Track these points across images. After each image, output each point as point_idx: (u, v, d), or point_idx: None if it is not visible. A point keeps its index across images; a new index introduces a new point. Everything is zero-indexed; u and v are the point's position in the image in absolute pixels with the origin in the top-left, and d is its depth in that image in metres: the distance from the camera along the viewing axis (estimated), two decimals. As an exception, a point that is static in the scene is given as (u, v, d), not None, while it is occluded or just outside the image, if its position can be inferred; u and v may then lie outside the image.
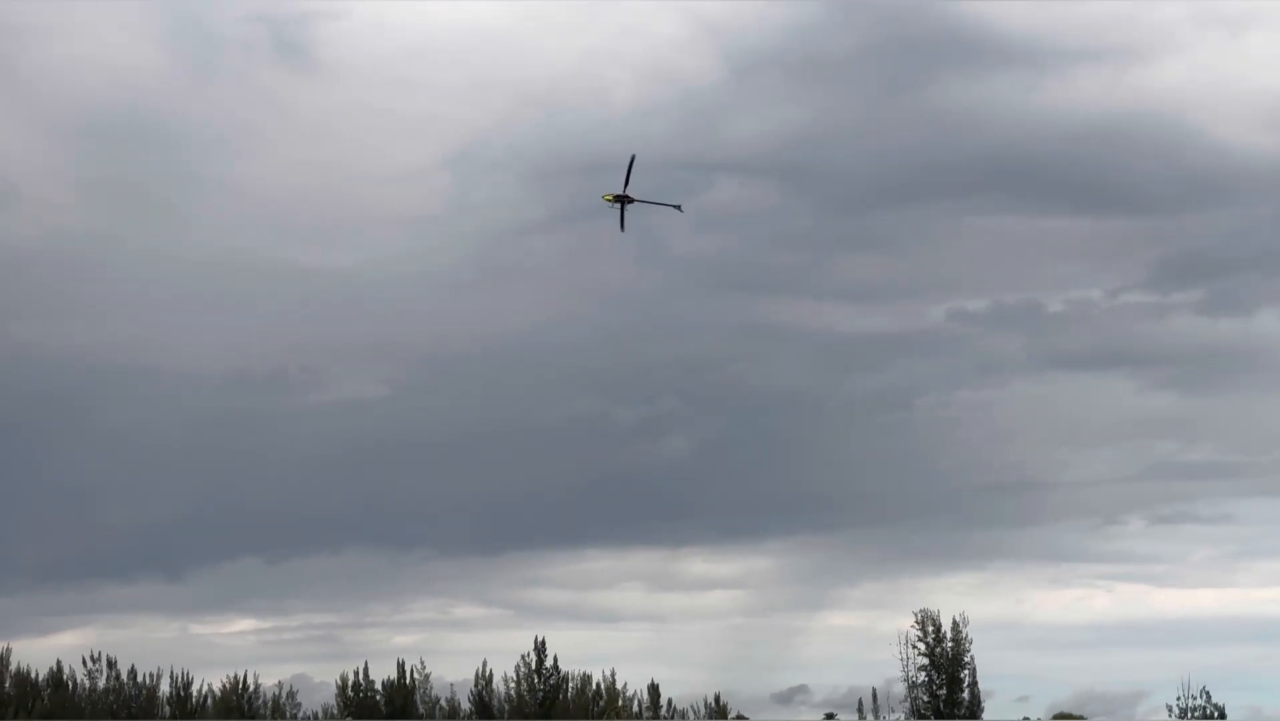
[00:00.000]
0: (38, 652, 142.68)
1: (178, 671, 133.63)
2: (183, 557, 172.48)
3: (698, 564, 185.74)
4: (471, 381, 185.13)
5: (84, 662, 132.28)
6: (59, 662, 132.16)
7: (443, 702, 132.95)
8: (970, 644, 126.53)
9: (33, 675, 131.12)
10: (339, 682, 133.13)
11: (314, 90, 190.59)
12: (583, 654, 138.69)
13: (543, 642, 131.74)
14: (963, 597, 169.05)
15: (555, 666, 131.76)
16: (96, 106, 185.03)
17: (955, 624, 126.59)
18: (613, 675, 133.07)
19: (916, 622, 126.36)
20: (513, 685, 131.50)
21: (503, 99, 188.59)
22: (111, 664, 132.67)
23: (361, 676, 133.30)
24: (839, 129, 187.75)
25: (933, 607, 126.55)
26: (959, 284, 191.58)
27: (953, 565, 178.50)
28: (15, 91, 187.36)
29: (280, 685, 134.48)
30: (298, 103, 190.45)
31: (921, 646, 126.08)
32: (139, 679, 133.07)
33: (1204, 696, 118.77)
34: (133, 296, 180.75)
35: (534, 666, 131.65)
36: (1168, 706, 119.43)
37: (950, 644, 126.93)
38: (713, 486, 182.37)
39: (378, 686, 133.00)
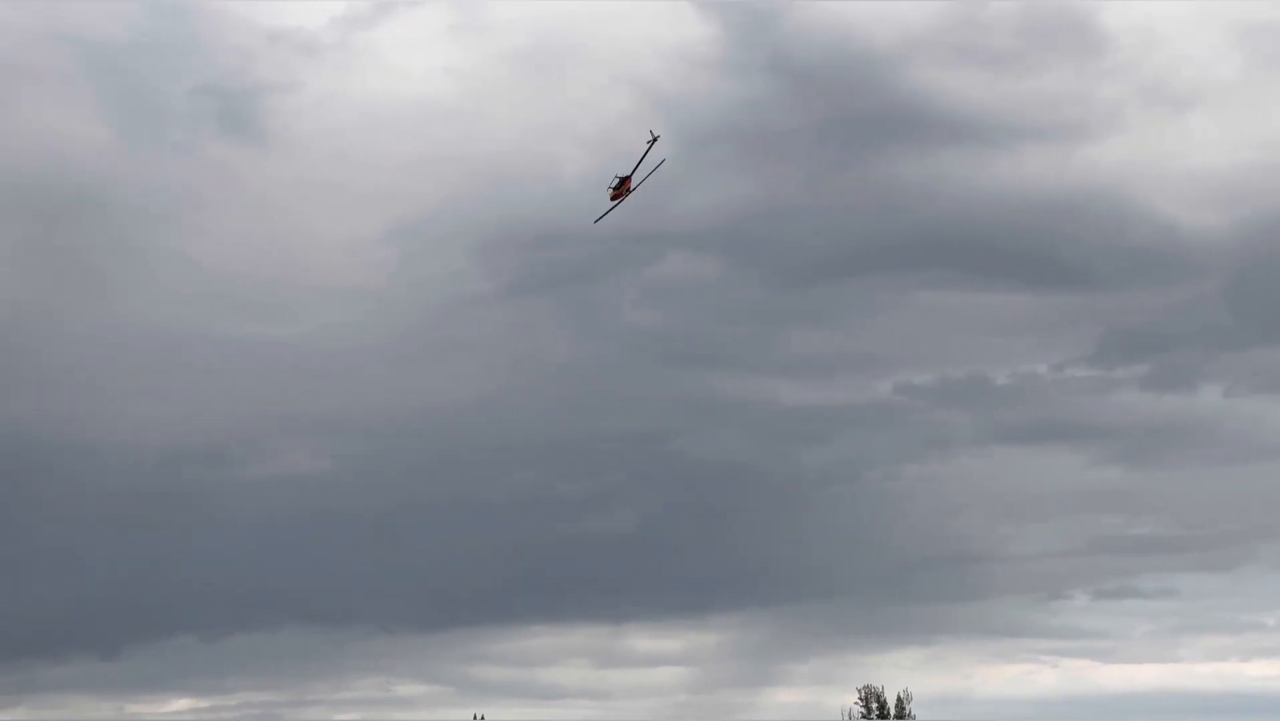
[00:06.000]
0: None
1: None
2: (118, 635, 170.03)
3: (642, 640, 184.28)
4: (414, 455, 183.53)
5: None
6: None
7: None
8: (914, 720, 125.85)
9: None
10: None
11: (261, 163, 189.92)
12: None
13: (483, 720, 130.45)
14: (908, 672, 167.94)
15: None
16: (42, 178, 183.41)
17: (900, 700, 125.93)
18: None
19: (860, 699, 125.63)
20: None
21: (451, 173, 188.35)
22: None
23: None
24: (788, 203, 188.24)
25: (877, 683, 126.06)
26: (906, 358, 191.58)
27: (898, 640, 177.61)
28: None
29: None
30: (244, 175, 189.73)
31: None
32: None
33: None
34: (71, 370, 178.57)
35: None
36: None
37: (895, 720, 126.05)
38: (657, 561, 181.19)
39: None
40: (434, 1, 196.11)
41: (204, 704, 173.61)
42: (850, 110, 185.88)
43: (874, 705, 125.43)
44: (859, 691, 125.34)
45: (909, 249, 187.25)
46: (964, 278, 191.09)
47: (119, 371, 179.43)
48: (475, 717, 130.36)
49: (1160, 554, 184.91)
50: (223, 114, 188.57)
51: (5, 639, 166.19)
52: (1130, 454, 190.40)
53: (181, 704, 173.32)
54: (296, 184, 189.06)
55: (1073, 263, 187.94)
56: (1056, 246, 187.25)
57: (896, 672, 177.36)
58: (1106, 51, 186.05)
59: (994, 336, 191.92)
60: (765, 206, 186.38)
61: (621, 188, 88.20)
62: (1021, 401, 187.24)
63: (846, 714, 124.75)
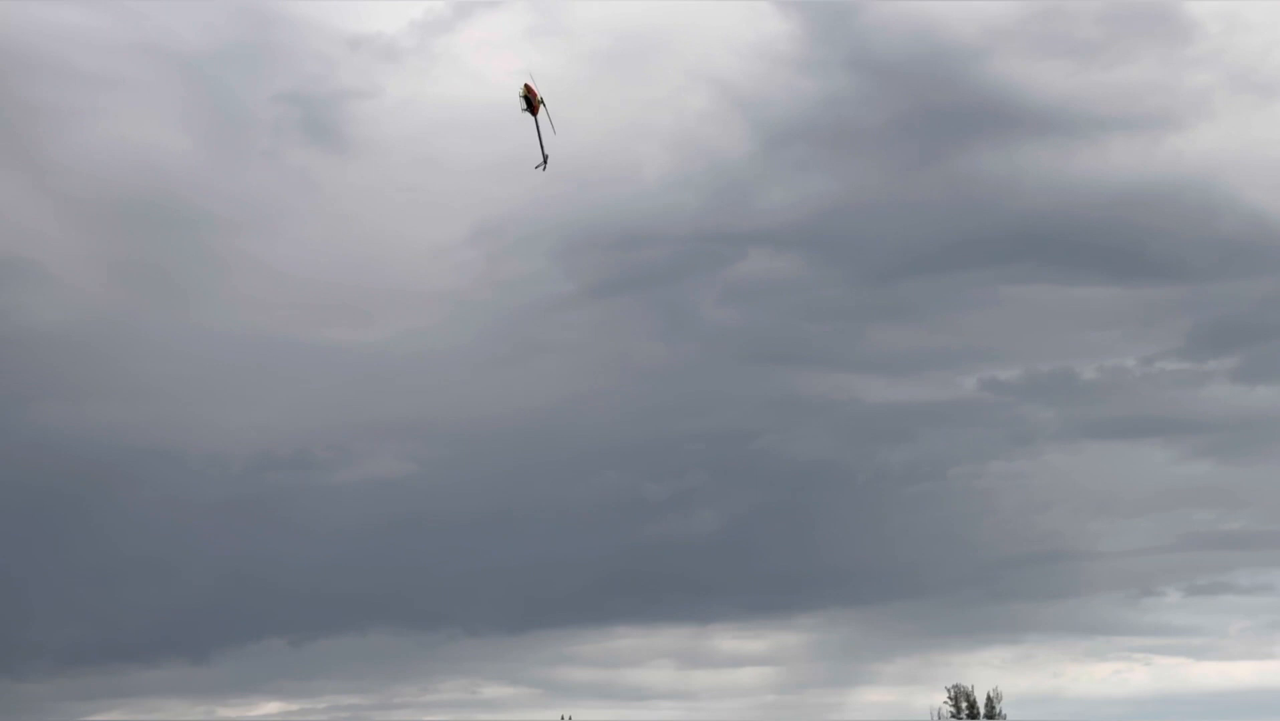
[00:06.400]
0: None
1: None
2: (208, 639, 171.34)
3: (727, 640, 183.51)
4: (499, 458, 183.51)
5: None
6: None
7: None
8: (1005, 719, 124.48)
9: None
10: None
11: (343, 168, 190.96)
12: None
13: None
14: (998, 671, 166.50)
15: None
16: (126, 188, 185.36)
17: (989, 699, 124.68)
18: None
19: (949, 699, 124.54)
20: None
21: (532, 175, 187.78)
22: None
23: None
24: (870, 199, 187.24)
25: (966, 682, 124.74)
26: (991, 353, 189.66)
27: (987, 638, 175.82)
28: (46, 174, 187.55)
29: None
30: (327, 181, 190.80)
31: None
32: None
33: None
34: (157, 378, 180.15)
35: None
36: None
37: (985, 719, 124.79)
38: (743, 561, 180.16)
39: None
40: (512, 4, 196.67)
41: (293, 707, 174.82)
42: (932, 104, 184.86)
43: (963, 704, 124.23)
44: (948, 691, 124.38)
45: (993, 243, 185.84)
46: (1049, 271, 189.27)
47: (204, 379, 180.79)
48: (562, 719, 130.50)
49: (1255, 548, 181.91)
50: (305, 121, 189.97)
51: (99, 644, 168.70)
52: (1222, 447, 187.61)
53: (271, 707, 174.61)
54: (379, 189, 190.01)
55: (1160, 254, 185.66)
56: (1144, 238, 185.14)
57: (986, 672, 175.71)
58: (1192, 39, 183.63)
59: (1081, 330, 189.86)
60: (847, 203, 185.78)
61: (531, 103, 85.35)
62: (1110, 396, 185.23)
63: (936, 713, 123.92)
